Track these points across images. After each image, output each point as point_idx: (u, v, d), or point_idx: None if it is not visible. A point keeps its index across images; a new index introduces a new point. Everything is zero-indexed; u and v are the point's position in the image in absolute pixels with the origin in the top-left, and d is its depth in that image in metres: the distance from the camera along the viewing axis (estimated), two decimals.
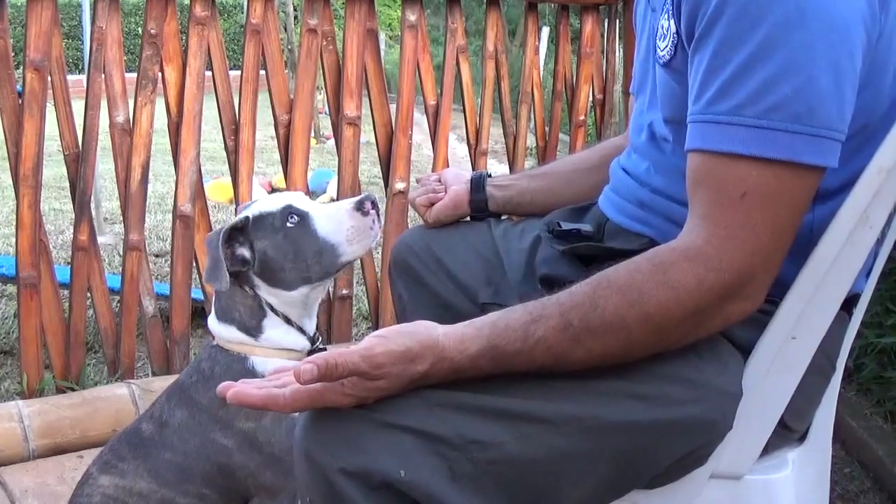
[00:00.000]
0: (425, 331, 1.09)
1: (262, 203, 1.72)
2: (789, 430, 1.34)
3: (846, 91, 1.08)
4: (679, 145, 1.27)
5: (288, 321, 1.72)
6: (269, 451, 1.67)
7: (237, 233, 1.67)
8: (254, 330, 1.71)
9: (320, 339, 1.80)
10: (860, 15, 1.08)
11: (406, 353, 1.06)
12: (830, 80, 1.06)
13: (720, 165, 1.11)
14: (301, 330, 1.74)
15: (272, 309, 1.71)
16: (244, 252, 1.68)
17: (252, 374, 1.67)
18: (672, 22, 1.20)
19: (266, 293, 1.71)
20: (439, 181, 1.87)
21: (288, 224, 1.67)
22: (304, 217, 1.68)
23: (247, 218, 1.68)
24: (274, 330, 1.72)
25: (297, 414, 1.61)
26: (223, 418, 1.67)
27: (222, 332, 1.72)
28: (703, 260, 1.09)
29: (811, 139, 1.07)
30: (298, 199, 1.72)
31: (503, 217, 1.83)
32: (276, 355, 1.70)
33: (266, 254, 1.67)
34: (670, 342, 1.14)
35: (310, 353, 1.74)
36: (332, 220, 1.70)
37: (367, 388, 1.06)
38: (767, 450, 1.31)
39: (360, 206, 1.70)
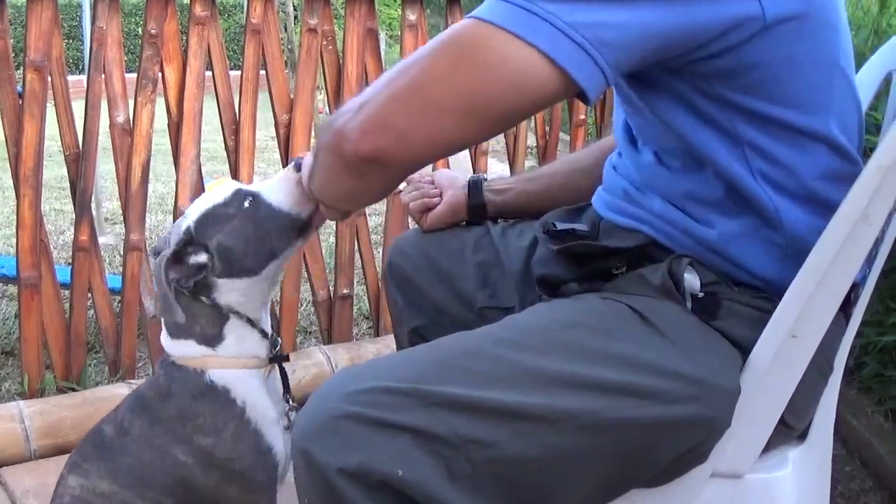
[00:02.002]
0: None
1: (205, 200, 1.65)
2: (790, 429, 1.34)
3: (645, 28, 1.08)
4: (646, 140, 1.28)
5: (251, 323, 1.66)
6: (230, 468, 1.63)
7: (183, 250, 1.61)
8: (214, 339, 1.64)
9: (280, 343, 1.72)
10: None
11: None
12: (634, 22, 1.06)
13: (467, 23, 1.09)
14: (263, 333, 1.68)
15: (232, 311, 1.64)
16: (199, 259, 1.61)
17: (211, 388, 1.62)
18: None
19: (227, 291, 1.63)
20: (433, 184, 1.86)
21: (244, 207, 1.60)
22: (255, 196, 1.61)
23: (187, 229, 1.61)
24: (234, 334, 1.65)
25: (260, 428, 1.61)
26: (181, 434, 1.63)
27: (177, 348, 1.66)
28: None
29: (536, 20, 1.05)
30: (240, 184, 1.66)
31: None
32: (235, 365, 1.65)
33: (224, 246, 1.60)
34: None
35: (271, 360, 1.69)
36: (279, 187, 1.63)
37: None
38: (768, 448, 1.31)
39: (297, 167, 1.61)
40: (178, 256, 1.60)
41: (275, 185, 1.64)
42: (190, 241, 1.60)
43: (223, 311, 1.64)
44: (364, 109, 1.09)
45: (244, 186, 1.64)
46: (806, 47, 1.17)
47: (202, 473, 1.64)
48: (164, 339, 1.68)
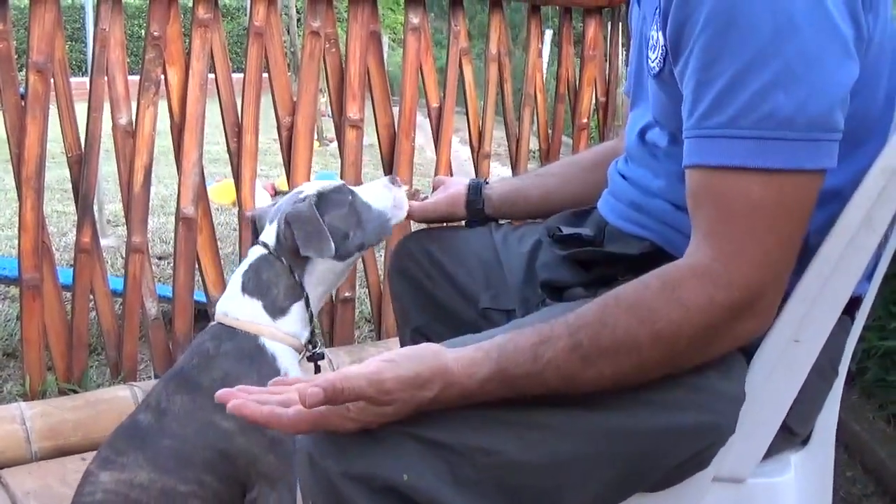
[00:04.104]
0: (434, 356, 1.08)
1: (315, 185, 1.86)
2: (792, 434, 1.34)
3: (841, 89, 1.07)
4: (671, 152, 1.27)
5: (307, 306, 1.80)
6: (271, 434, 1.69)
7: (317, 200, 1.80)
8: (278, 312, 1.78)
9: (319, 342, 1.88)
10: (850, 16, 1.08)
11: (415, 379, 1.05)
12: (824, 81, 1.06)
13: (719, 180, 1.09)
14: (311, 317, 1.83)
15: (306, 298, 1.79)
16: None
17: (261, 351, 1.74)
18: (660, 34, 1.20)
19: (315, 272, 1.80)
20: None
21: (350, 198, 1.82)
22: (355, 194, 1.84)
23: (316, 193, 1.80)
24: (296, 314, 1.80)
25: None
26: None
27: (241, 306, 1.78)
28: (712, 278, 1.08)
29: (809, 144, 1.06)
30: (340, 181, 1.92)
31: (502, 222, 1.83)
32: (283, 339, 1.78)
33: (333, 225, 1.78)
34: (682, 361, 1.13)
35: (309, 358, 1.83)
36: (378, 194, 1.88)
37: (373, 413, 1.05)
38: (770, 453, 1.30)
39: (393, 181, 1.91)
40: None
41: (374, 189, 1.89)
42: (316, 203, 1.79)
43: (302, 289, 1.80)
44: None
45: (344, 184, 1.89)
46: (876, 64, 1.17)
47: (245, 440, 1.70)
48: (232, 294, 1.81)
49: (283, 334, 1.78)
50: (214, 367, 1.71)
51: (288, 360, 1.77)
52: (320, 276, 1.82)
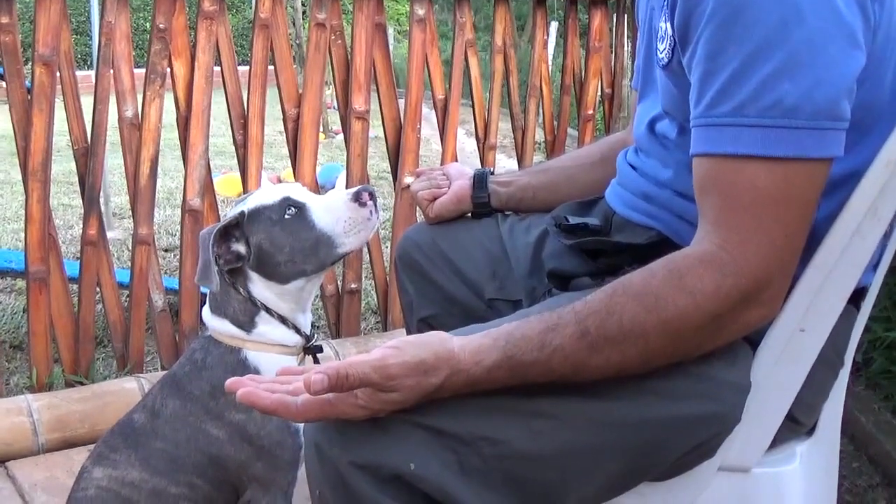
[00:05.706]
0: (440, 342, 1.08)
1: (258, 196, 1.70)
2: (798, 424, 1.34)
3: (847, 78, 1.07)
4: (681, 142, 1.27)
5: (282, 320, 1.70)
6: (259, 444, 1.67)
7: (232, 229, 1.66)
8: (246, 325, 1.70)
9: (315, 336, 1.78)
10: (857, 5, 1.08)
11: (420, 365, 1.05)
12: (830, 70, 1.06)
13: (726, 168, 1.10)
14: (296, 328, 1.73)
15: (266, 308, 1.69)
16: (239, 248, 1.67)
17: (244, 365, 1.68)
18: (668, 25, 1.20)
19: (261, 288, 1.69)
20: (444, 176, 1.86)
21: (286, 216, 1.65)
22: (301, 208, 1.66)
23: (242, 213, 1.66)
24: (267, 326, 1.70)
25: None
26: (214, 409, 1.67)
27: (216, 324, 1.71)
28: (719, 266, 1.08)
29: (815, 132, 1.06)
30: (296, 191, 1.70)
31: (508, 213, 1.82)
32: (269, 350, 1.70)
33: (262, 248, 1.66)
34: (688, 350, 1.14)
35: (305, 350, 1.76)
36: (330, 211, 1.68)
37: (380, 400, 1.05)
38: (776, 443, 1.31)
39: (357, 198, 1.68)
40: (226, 232, 1.65)
41: (329, 206, 1.68)
42: (238, 225, 1.65)
43: (256, 303, 1.69)
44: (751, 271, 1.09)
45: (295, 195, 1.68)
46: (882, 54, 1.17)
47: (234, 448, 1.68)
48: (206, 312, 1.73)
49: (266, 345, 1.70)
50: (203, 378, 1.69)
51: (275, 371, 1.70)
52: (267, 293, 1.69)
